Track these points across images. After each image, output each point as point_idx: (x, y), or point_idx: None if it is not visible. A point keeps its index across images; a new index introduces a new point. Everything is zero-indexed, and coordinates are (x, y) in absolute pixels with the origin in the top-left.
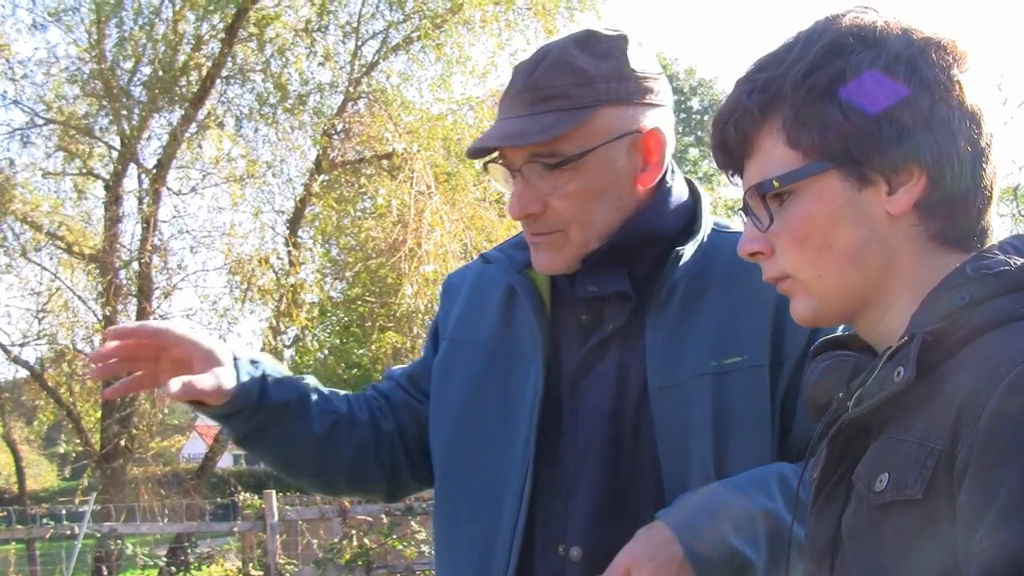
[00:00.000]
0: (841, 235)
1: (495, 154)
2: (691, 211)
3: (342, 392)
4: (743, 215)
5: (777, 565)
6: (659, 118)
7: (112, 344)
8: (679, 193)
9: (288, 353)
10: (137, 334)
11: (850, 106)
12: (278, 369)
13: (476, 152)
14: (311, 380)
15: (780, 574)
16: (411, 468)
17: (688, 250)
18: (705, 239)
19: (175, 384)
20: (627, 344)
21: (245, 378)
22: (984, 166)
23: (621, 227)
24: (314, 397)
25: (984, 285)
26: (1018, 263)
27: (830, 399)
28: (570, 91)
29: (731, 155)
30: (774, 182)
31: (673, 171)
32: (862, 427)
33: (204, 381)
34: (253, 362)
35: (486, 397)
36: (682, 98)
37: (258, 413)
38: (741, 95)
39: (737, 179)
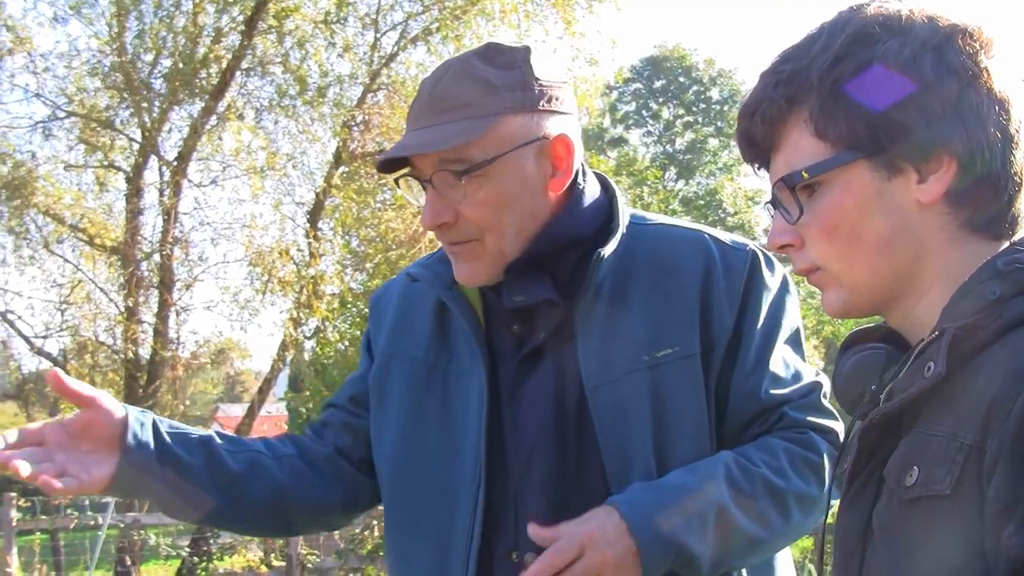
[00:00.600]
0: (871, 225)
1: (406, 169)
2: (607, 209)
3: (281, 437)
4: (771, 208)
5: (727, 552)
6: (565, 125)
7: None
8: (592, 193)
9: (309, 344)
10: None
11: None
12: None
13: (385, 165)
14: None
15: (727, 557)
16: (370, 484)
17: (608, 249)
18: (624, 234)
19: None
20: (561, 349)
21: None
22: (1014, 152)
23: (539, 234)
24: (220, 443)
25: (1015, 279)
26: None
27: (862, 392)
28: (474, 100)
29: (757, 148)
30: (803, 173)
31: (584, 173)
32: (893, 421)
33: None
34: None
35: (427, 412)
36: (701, 88)
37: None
38: (767, 87)
39: (763, 172)
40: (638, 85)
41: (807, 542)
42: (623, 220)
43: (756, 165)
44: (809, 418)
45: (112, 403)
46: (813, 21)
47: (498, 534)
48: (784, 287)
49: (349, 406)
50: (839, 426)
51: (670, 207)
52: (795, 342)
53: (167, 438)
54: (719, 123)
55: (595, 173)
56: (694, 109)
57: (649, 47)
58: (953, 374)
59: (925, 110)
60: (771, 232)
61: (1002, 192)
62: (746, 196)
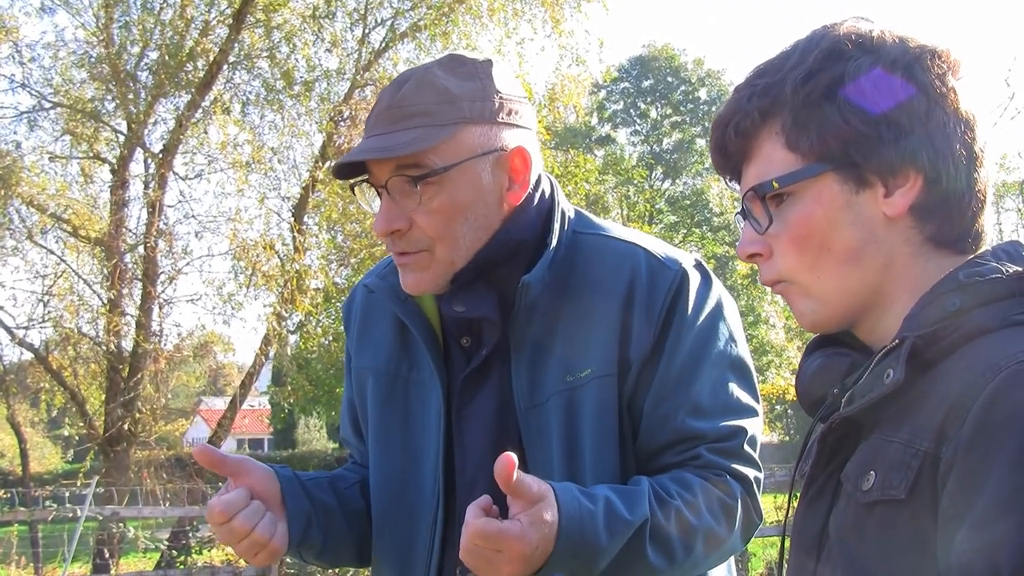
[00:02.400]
0: (839, 236)
1: (364, 176)
2: (550, 215)
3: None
4: (741, 218)
5: (624, 567)
6: (523, 139)
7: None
8: (543, 198)
9: (292, 339)
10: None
11: (850, 107)
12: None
13: (341, 170)
14: (325, 487)
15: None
16: None
17: (536, 273)
18: (563, 245)
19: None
20: (505, 366)
21: (292, 494)
22: (978, 170)
23: (488, 244)
24: (339, 511)
25: (975, 291)
26: (1009, 271)
27: (824, 395)
28: (433, 108)
29: (730, 159)
30: (773, 183)
31: (538, 184)
32: (853, 425)
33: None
34: (290, 478)
35: (391, 422)
36: (690, 88)
37: (310, 529)
38: (741, 100)
39: (735, 184)
40: (626, 84)
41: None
42: (557, 234)
43: (728, 177)
44: (727, 463)
45: (257, 464)
46: (802, 23)
47: (450, 546)
48: (719, 310)
49: (356, 445)
50: (758, 474)
51: (656, 206)
52: (734, 372)
53: (310, 487)
54: (707, 123)
55: (547, 177)
56: (682, 109)
57: (638, 47)
58: (912, 382)
59: (894, 126)
60: (740, 242)
61: (966, 208)
62: (732, 197)
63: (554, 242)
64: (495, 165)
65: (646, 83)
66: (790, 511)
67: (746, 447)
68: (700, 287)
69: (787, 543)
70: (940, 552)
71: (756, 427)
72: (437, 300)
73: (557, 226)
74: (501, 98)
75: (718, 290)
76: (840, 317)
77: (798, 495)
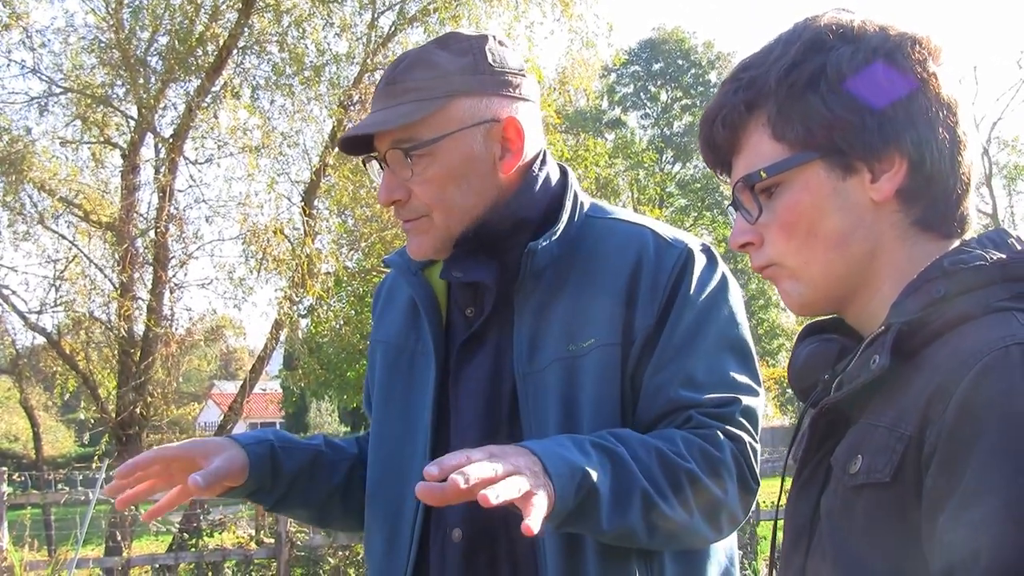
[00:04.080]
0: (827, 222)
1: (373, 153)
2: (560, 198)
3: (352, 438)
4: (732, 210)
5: (623, 501)
6: (521, 111)
7: (123, 480)
8: (548, 180)
9: (304, 323)
10: (145, 463)
11: (836, 96)
12: (284, 437)
13: (345, 144)
14: (319, 438)
15: (626, 508)
16: None
17: (543, 241)
18: (576, 225)
19: (197, 479)
20: (503, 334)
21: (254, 459)
22: (961, 154)
23: (487, 214)
24: (325, 452)
25: (960, 279)
26: (993, 258)
27: (815, 381)
28: (425, 83)
29: (719, 152)
30: (761, 173)
31: (544, 161)
32: (842, 411)
33: (220, 469)
34: (258, 441)
35: (394, 392)
36: (700, 71)
37: (276, 487)
38: (727, 94)
39: (725, 176)
40: (636, 68)
41: None
42: (568, 212)
43: (719, 170)
44: (719, 424)
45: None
46: (811, 5)
47: (439, 509)
48: (722, 291)
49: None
50: (754, 442)
51: (666, 190)
52: (734, 350)
53: (281, 456)
54: None
55: (559, 164)
56: (692, 92)
57: (648, 30)
58: (897, 368)
59: (877, 112)
60: (732, 232)
61: (951, 192)
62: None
63: (564, 219)
64: (487, 135)
65: (656, 66)
66: (782, 496)
67: (739, 416)
68: (705, 267)
69: (780, 526)
70: (924, 534)
71: (754, 403)
72: (443, 271)
73: (569, 205)
74: (494, 71)
75: (722, 271)
76: (827, 300)
77: (791, 480)
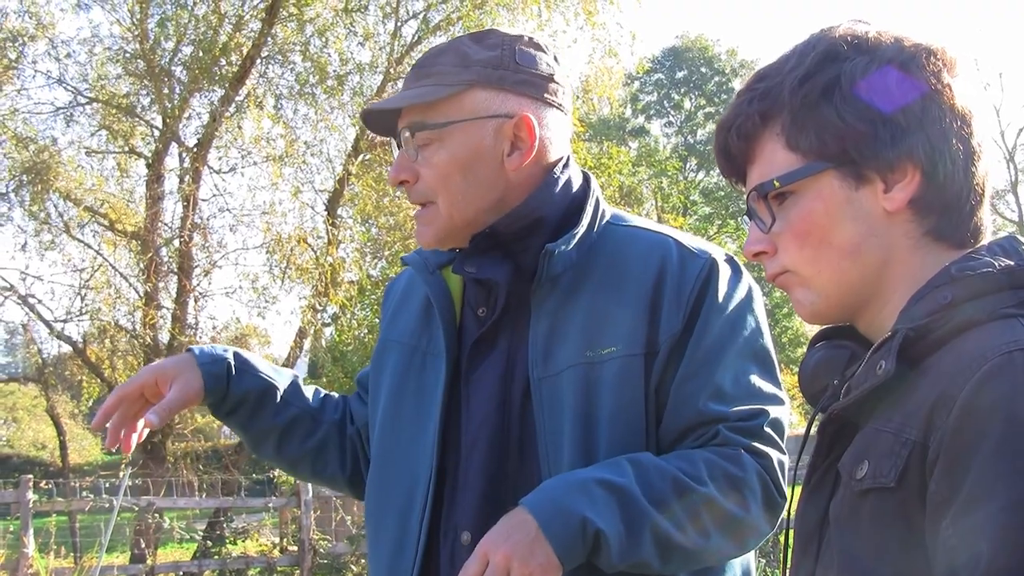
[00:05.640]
0: (840, 232)
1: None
2: (580, 204)
3: (333, 395)
4: (747, 219)
5: (635, 537)
6: (543, 113)
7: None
8: (569, 185)
9: (328, 331)
10: (113, 407)
11: (850, 105)
12: (243, 359)
13: (370, 122)
14: (288, 377)
15: (637, 543)
16: (367, 466)
17: (564, 244)
18: (596, 231)
19: (152, 417)
20: (516, 336)
21: (208, 379)
22: (976, 165)
23: (494, 208)
24: (280, 392)
25: (966, 285)
26: (1001, 265)
27: (825, 386)
28: (447, 70)
29: (734, 162)
30: (775, 182)
31: (567, 165)
32: (850, 416)
33: (173, 402)
34: (214, 360)
35: (405, 392)
36: (723, 79)
37: (225, 404)
38: (742, 104)
39: (740, 186)
40: (660, 75)
41: None
42: (588, 217)
43: (734, 179)
44: (746, 440)
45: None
46: (834, 13)
47: (448, 511)
48: (748, 301)
49: (361, 390)
50: (781, 456)
51: (690, 198)
52: (758, 361)
53: (233, 379)
54: None
55: (582, 171)
56: (716, 100)
57: (671, 38)
58: (904, 374)
59: (890, 123)
60: (746, 241)
61: (964, 203)
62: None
63: (585, 222)
64: (498, 129)
65: (680, 74)
66: (794, 501)
67: (767, 428)
68: (731, 277)
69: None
70: (928, 538)
71: (780, 413)
72: (456, 266)
73: (591, 210)
74: (520, 69)
75: (747, 281)
76: (839, 309)
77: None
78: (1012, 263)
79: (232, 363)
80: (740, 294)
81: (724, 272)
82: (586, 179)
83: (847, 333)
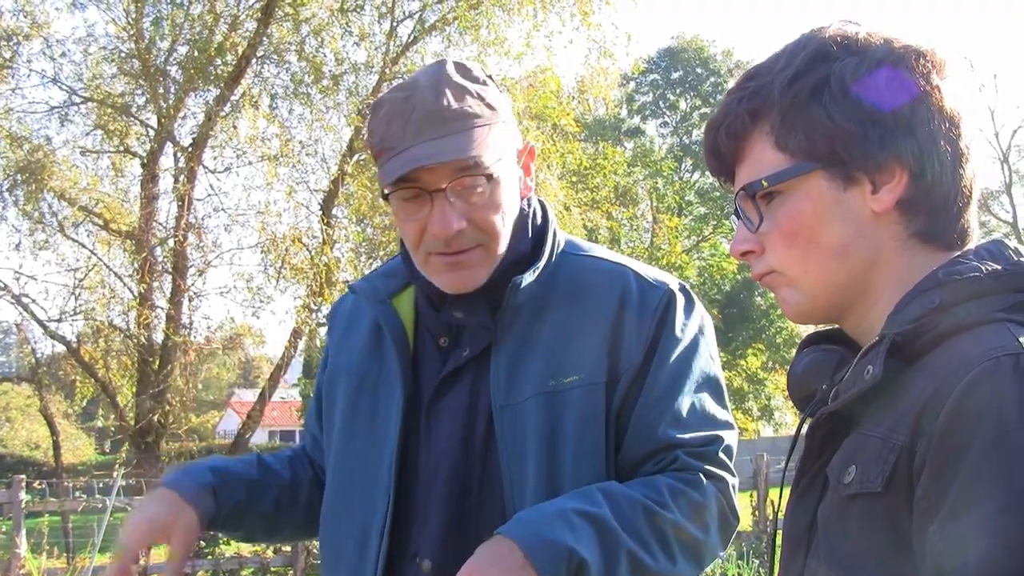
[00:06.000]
0: (828, 232)
1: (409, 183)
2: (543, 233)
3: (288, 452)
4: (735, 218)
5: (612, 566)
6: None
7: None
8: (537, 214)
9: (322, 331)
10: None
11: (843, 106)
12: (220, 469)
13: (402, 178)
14: (254, 461)
15: (614, 572)
16: None
17: (527, 277)
18: (553, 260)
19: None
20: (480, 369)
21: (203, 513)
22: (964, 167)
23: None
24: (257, 480)
25: (954, 290)
26: (988, 269)
27: (814, 390)
28: (478, 111)
29: (723, 161)
30: (763, 182)
31: (530, 201)
32: (839, 421)
33: (181, 560)
34: (200, 488)
35: (359, 421)
36: (719, 80)
37: (215, 521)
38: (732, 103)
39: (729, 185)
40: (655, 76)
41: None
42: (549, 248)
43: (723, 179)
44: (702, 465)
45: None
46: (830, 12)
47: (406, 539)
48: (701, 330)
49: (317, 423)
50: (733, 479)
51: (685, 198)
52: (711, 389)
53: (220, 496)
54: None
55: (537, 199)
56: (711, 100)
57: (667, 38)
58: (892, 379)
59: (879, 124)
60: (734, 240)
61: (951, 204)
62: None
63: (546, 254)
64: (516, 161)
65: (675, 75)
66: (782, 505)
67: (721, 454)
68: (685, 307)
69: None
70: (915, 543)
71: (732, 438)
72: (429, 306)
73: (551, 240)
74: (502, 99)
75: (700, 311)
76: (825, 310)
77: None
78: (999, 267)
79: (214, 484)
80: (695, 324)
81: (680, 303)
82: (542, 206)
83: (836, 337)
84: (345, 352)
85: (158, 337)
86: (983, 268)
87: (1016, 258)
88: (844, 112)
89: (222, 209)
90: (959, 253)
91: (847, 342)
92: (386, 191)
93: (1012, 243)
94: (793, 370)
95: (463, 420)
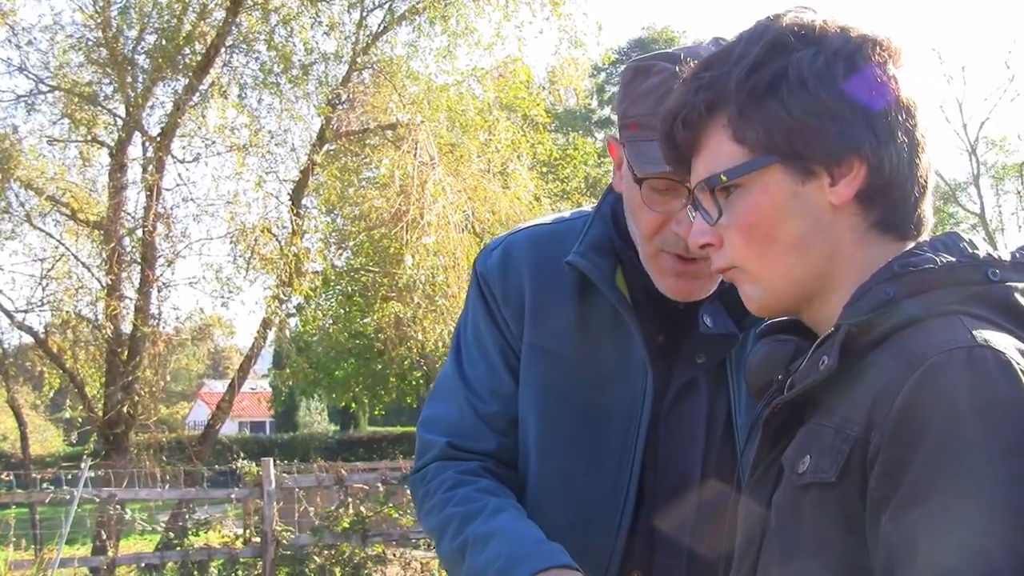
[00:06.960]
0: (786, 226)
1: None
2: None
3: (500, 485)
4: (692, 209)
5: None
6: None
7: None
8: None
9: (292, 322)
10: None
11: (808, 98)
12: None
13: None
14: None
15: None
16: None
17: None
18: None
19: None
20: (713, 378)
21: None
22: (920, 157)
23: None
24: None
25: (908, 281)
26: (943, 261)
27: (770, 380)
28: None
29: (679, 152)
30: (721, 176)
31: None
32: (794, 411)
33: None
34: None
35: (569, 413)
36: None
37: None
38: (688, 92)
39: (684, 174)
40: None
41: None
42: None
43: (678, 168)
44: None
45: None
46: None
47: (641, 547)
48: None
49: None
50: None
51: None
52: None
53: None
54: None
55: None
56: None
57: (638, 29)
58: (846, 369)
59: (837, 117)
60: (692, 232)
61: (908, 194)
62: None
63: None
64: None
65: None
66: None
67: None
68: None
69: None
70: (868, 535)
71: None
72: (641, 295)
73: None
74: None
75: None
76: (787, 303)
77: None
78: (953, 259)
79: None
80: None
81: None
82: None
83: (792, 328)
84: (546, 328)
85: (126, 328)
86: (938, 260)
87: (970, 250)
88: (802, 105)
89: (191, 199)
90: (914, 244)
91: (803, 332)
92: (638, 175)
93: (965, 235)
94: (749, 361)
95: (704, 432)
